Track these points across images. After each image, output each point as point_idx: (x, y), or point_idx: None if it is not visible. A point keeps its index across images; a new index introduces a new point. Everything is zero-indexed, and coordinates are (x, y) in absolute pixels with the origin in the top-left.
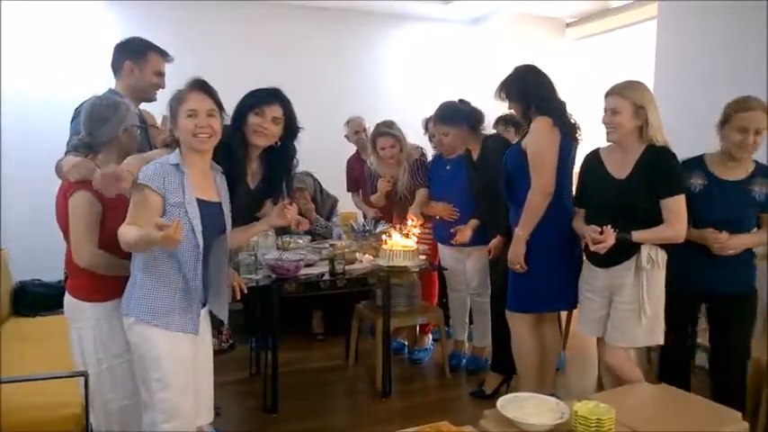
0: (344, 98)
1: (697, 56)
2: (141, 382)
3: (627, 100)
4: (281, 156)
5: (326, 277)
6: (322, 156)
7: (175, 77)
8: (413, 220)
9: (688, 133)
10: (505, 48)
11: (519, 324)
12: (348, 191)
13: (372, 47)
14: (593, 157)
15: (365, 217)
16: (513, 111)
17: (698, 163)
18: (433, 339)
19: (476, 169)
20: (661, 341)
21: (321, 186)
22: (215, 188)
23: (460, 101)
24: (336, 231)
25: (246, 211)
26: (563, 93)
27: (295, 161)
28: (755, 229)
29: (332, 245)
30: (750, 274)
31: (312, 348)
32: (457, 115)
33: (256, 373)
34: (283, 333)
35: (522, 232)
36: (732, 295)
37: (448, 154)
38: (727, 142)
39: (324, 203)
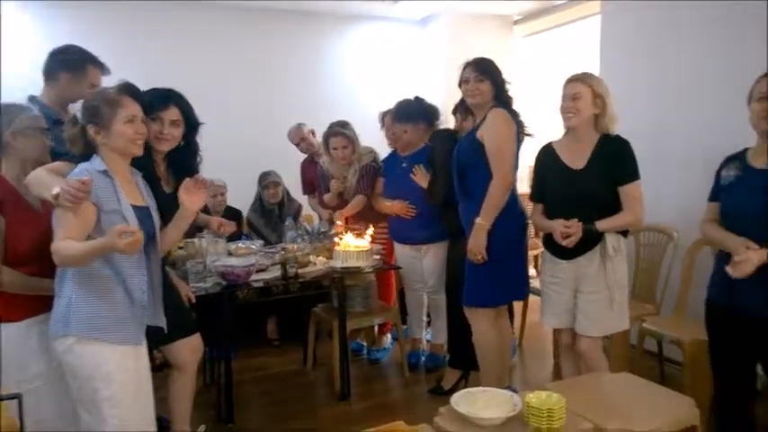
0: (297, 100)
1: (639, 51)
2: (87, 404)
3: (588, 87)
4: (184, 155)
5: (279, 282)
6: (278, 160)
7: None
8: (339, 223)
9: (630, 126)
10: (455, 46)
11: (481, 319)
12: (304, 194)
13: (324, 47)
14: (548, 151)
15: (320, 218)
16: (474, 94)
17: (738, 155)
18: (392, 339)
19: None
20: (627, 327)
21: (287, 190)
22: (140, 192)
23: (416, 98)
24: (290, 235)
25: (170, 217)
26: (513, 89)
27: (199, 157)
28: None
29: (283, 248)
30: None
31: (269, 355)
32: (415, 112)
33: (211, 383)
34: (238, 340)
35: (484, 222)
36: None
37: (403, 150)
38: (752, 120)
39: (290, 207)
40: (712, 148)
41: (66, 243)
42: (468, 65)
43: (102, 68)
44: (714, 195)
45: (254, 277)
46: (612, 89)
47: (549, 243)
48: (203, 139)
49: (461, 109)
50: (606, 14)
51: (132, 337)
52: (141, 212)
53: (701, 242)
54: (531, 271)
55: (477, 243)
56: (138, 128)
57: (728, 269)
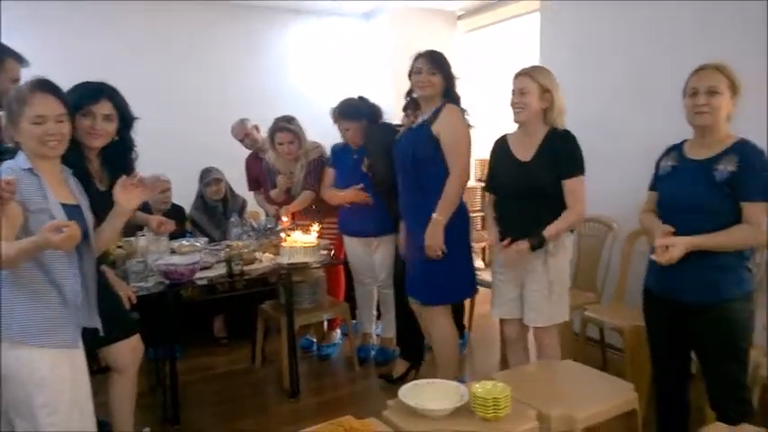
0: (241, 95)
1: (577, 46)
2: (22, 411)
3: (535, 81)
4: (119, 150)
5: (224, 279)
6: (224, 155)
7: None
8: (285, 218)
9: (570, 119)
10: (399, 41)
11: (442, 315)
12: (249, 190)
13: (267, 42)
14: (501, 143)
15: (267, 214)
16: (425, 86)
17: (677, 146)
18: (342, 334)
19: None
20: (567, 318)
21: (230, 186)
22: (70, 190)
23: (360, 97)
24: (235, 232)
25: (104, 216)
26: (458, 84)
27: (134, 153)
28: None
29: (228, 245)
30: (723, 280)
31: (217, 354)
32: (356, 111)
33: (157, 385)
34: (185, 340)
35: (441, 218)
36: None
37: (354, 145)
38: (686, 114)
39: (234, 204)
40: (651, 141)
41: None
42: (420, 56)
43: (22, 61)
44: (653, 185)
45: (198, 275)
46: (555, 74)
47: (501, 235)
48: (143, 135)
49: (412, 105)
50: (545, 11)
51: (67, 341)
52: (72, 211)
53: (638, 232)
54: (480, 263)
55: (435, 238)
56: (49, 128)
57: (653, 257)
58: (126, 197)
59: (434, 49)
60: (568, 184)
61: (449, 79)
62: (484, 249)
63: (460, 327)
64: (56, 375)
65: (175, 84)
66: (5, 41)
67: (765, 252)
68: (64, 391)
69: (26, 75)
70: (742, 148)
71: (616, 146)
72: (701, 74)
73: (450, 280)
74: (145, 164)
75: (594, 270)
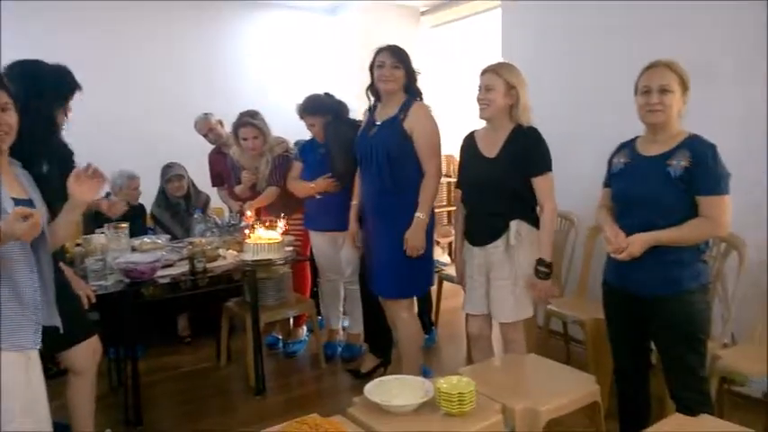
0: (204, 90)
1: (539, 43)
2: None
3: (501, 78)
4: (24, 146)
5: (187, 277)
6: (187, 151)
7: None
8: (249, 214)
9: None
10: (363, 36)
11: (407, 310)
12: (213, 186)
13: (230, 35)
14: (469, 138)
15: (231, 211)
16: (388, 80)
17: (629, 143)
18: (308, 330)
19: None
20: (530, 314)
21: (193, 182)
22: (21, 184)
23: (326, 93)
24: (199, 228)
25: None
26: (421, 79)
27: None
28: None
29: (190, 243)
30: (680, 274)
31: (181, 352)
32: (321, 106)
33: (119, 386)
34: (148, 339)
35: (423, 216)
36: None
37: (320, 140)
38: (638, 111)
39: (197, 200)
40: (612, 136)
41: None
42: (383, 50)
43: None
44: (607, 181)
45: (160, 273)
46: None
47: (467, 230)
48: (104, 131)
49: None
50: (506, 8)
51: (24, 343)
52: (24, 205)
53: (599, 227)
54: (446, 258)
55: (419, 238)
56: None
57: (612, 254)
58: (80, 189)
59: (397, 44)
60: (537, 183)
61: (410, 74)
62: (450, 245)
63: (429, 322)
64: (9, 381)
65: (136, 78)
66: None
67: (722, 245)
68: (17, 398)
69: None
70: (693, 144)
71: (577, 141)
72: (653, 71)
73: (412, 275)
74: (106, 160)
75: (557, 264)
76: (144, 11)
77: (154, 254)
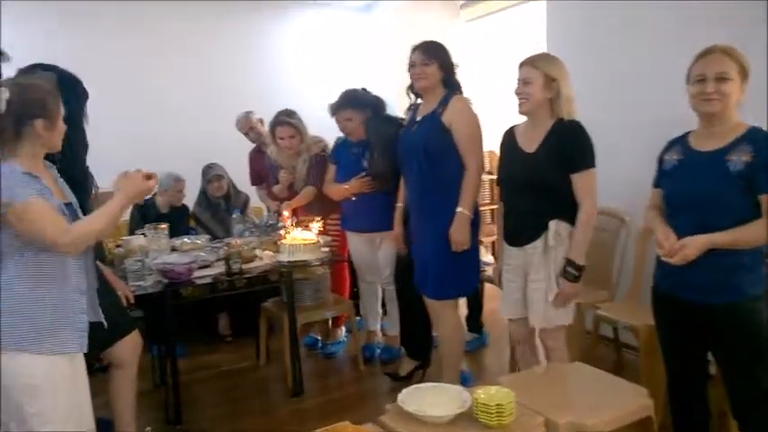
0: (243, 89)
1: (587, 33)
2: (13, 417)
3: (539, 71)
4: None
5: (223, 278)
6: (224, 151)
7: None
8: (286, 214)
9: (580, 109)
10: (400, 32)
11: (450, 311)
12: (252, 185)
13: (268, 36)
14: (509, 134)
15: (269, 210)
16: (419, 78)
17: (680, 139)
18: (347, 331)
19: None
20: (570, 321)
21: (233, 182)
22: (60, 188)
23: (363, 89)
24: (238, 228)
25: None
26: (462, 73)
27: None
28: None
29: (227, 244)
30: (740, 280)
31: (221, 351)
32: (359, 100)
33: (160, 384)
34: (190, 337)
35: (467, 211)
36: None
37: (353, 138)
38: (690, 101)
39: (237, 200)
40: (665, 130)
41: (79, 225)
42: (414, 49)
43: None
44: (657, 181)
45: (197, 274)
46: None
47: (504, 229)
48: (145, 134)
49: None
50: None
51: (70, 346)
52: (68, 209)
53: (648, 229)
54: (490, 258)
55: (463, 233)
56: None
57: (663, 258)
58: (130, 182)
59: (434, 39)
60: (576, 180)
61: (446, 68)
62: (494, 244)
63: (478, 325)
64: (50, 383)
65: (177, 81)
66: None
67: None
68: (59, 399)
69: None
70: (755, 136)
71: (630, 135)
72: (709, 58)
73: (457, 274)
74: (147, 163)
75: (607, 266)
76: (180, 12)
77: (190, 255)
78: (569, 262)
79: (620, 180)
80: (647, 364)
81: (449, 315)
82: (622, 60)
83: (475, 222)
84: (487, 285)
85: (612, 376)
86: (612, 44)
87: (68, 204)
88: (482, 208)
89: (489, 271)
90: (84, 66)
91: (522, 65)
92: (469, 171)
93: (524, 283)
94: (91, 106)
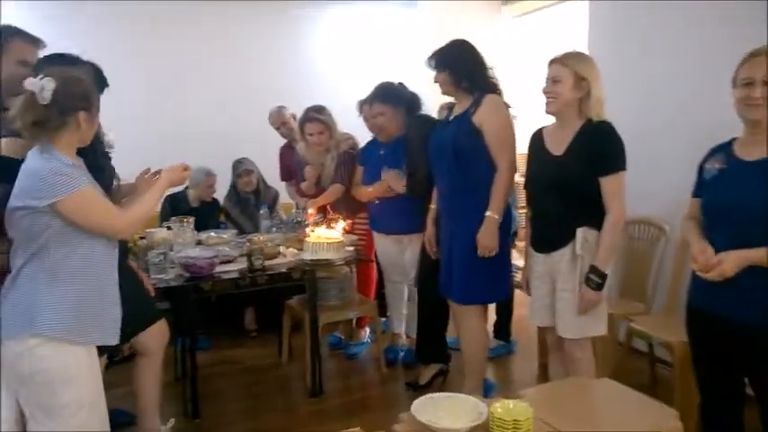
0: (276, 84)
1: (629, 31)
2: (40, 411)
3: (569, 69)
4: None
5: (245, 275)
6: (256, 145)
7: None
8: (311, 211)
9: (620, 111)
10: (440, 28)
11: (475, 317)
12: (282, 180)
13: (303, 29)
14: (537, 135)
15: (297, 207)
16: (440, 87)
17: (724, 146)
18: (371, 332)
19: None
20: (603, 332)
21: (262, 177)
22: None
23: (399, 83)
24: (265, 224)
25: None
26: (503, 71)
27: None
28: None
29: (249, 240)
30: None
31: (246, 346)
32: (394, 95)
33: (182, 377)
34: (215, 331)
35: (496, 215)
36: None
37: (382, 137)
38: (735, 106)
39: (266, 194)
40: (710, 136)
41: (133, 209)
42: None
43: (35, 42)
44: (696, 190)
45: (220, 269)
46: (602, 67)
47: (531, 234)
48: (179, 128)
49: (447, 108)
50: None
51: (109, 336)
52: None
53: (685, 240)
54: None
55: (491, 238)
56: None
57: (699, 273)
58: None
59: (474, 37)
60: (604, 183)
61: (458, 73)
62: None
63: (507, 331)
64: (84, 373)
65: (211, 74)
66: None
67: None
68: (91, 388)
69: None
70: None
71: (672, 141)
72: (758, 61)
73: (486, 280)
74: (181, 157)
75: (644, 277)
76: (218, 6)
77: (213, 249)
78: (593, 269)
79: (660, 187)
80: (682, 382)
81: (473, 321)
82: (665, 63)
83: (506, 226)
84: (517, 291)
85: (641, 395)
86: (655, 46)
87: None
88: (520, 211)
89: (518, 276)
90: (120, 62)
91: (551, 62)
92: (500, 173)
93: (552, 290)
94: (124, 102)
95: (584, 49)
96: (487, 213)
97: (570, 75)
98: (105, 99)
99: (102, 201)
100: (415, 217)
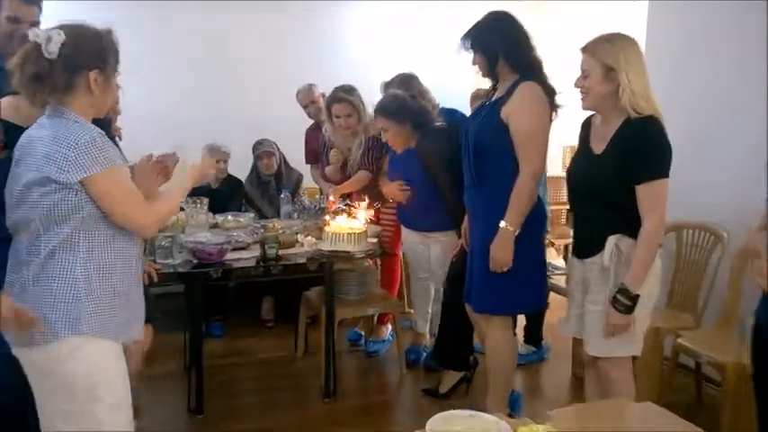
0: (303, 63)
1: (693, 24)
2: (83, 413)
3: (596, 60)
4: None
5: (257, 264)
6: (282, 127)
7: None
8: (332, 199)
9: (679, 107)
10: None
11: (500, 327)
12: (307, 163)
13: (331, 8)
14: (585, 127)
15: (321, 192)
16: (478, 67)
17: None
18: (393, 330)
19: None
20: (637, 352)
21: (285, 159)
22: None
23: (412, 96)
24: (285, 210)
25: None
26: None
27: None
28: None
29: (264, 226)
30: None
31: (261, 336)
32: (400, 111)
33: (191, 367)
34: (231, 319)
35: (512, 227)
36: None
37: (395, 150)
38: None
39: (288, 178)
40: None
41: (159, 205)
42: None
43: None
44: None
45: (232, 256)
46: (661, 65)
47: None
48: (204, 106)
49: (477, 98)
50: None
51: (134, 333)
52: None
53: (751, 251)
54: (561, 262)
55: (504, 252)
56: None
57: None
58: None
59: (496, 11)
60: (640, 191)
61: (489, 53)
62: (567, 248)
63: (537, 336)
64: (120, 370)
65: (236, 54)
66: None
67: None
68: (126, 385)
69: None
70: None
71: (735, 142)
72: None
73: (513, 289)
74: (205, 135)
75: (695, 287)
76: None
77: (225, 234)
78: (621, 289)
79: (719, 190)
80: (732, 408)
81: (497, 332)
82: (730, 58)
83: (537, 227)
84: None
85: (687, 423)
86: (721, 40)
87: None
88: (555, 207)
89: (554, 278)
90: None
91: (581, 51)
92: (521, 179)
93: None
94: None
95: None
96: (502, 224)
97: (597, 66)
98: (129, 82)
99: (133, 188)
100: (440, 214)
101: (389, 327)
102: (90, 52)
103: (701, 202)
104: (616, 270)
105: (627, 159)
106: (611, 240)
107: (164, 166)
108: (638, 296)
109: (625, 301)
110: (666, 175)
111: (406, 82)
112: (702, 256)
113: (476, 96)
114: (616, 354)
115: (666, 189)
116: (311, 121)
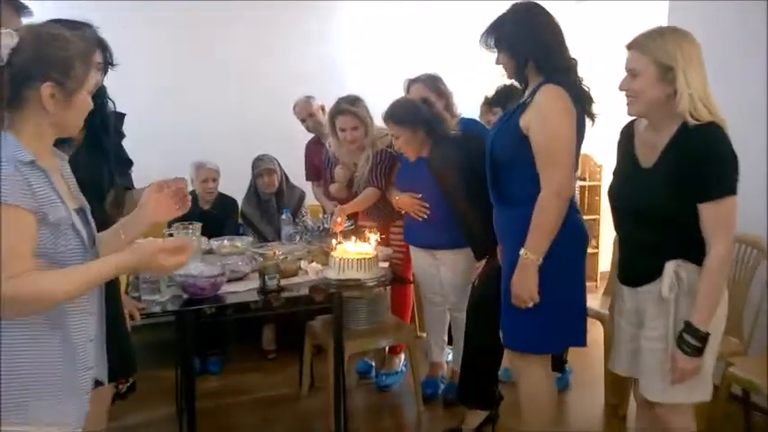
0: (303, 72)
1: (720, 17)
2: None
3: (648, 57)
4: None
5: (256, 298)
6: (281, 142)
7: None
8: (339, 220)
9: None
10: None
11: (536, 367)
12: (307, 180)
13: (332, 12)
14: (627, 132)
15: (324, 212)
16: (504, 67)
17: None
18: (406, 361)
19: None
20: (705, 398)
21: (286, 176)
22: (68, 185)
23: (424, 101)
24: (286, 231)
25: None
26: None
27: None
28: None
29: (262, 254)
30: None
31: (262, 370)
32: (411, 117)
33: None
34: (229, 350)
35: (534, 255)
36: None
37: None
38: None
39: (290, 196)
40: None
41: (37, 279)
42: None
43: (18, 7)
44: None
45: (227, 288)
46: None
47: (618, 261)
48: (194, 114)
49: (487, 103)
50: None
51: (69, 418)
52: (80, 216)
53: None
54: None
55: (525, 285)
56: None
57: None
58: (156, 206)
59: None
60: (704, 210)
61: (516, 52)
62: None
63: (561, 360)
64: None
65: (233, 58)
66: None
67: None
68: None
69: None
70: None
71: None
72: None
73: (542, 326)
74: (194, 151)
75: (740, 308)
76: None
77: (218, 266)
78: (688, 327)
79: (759, 201)
80: None
81: (533, 370)
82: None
83: (572, 256)
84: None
85: None
86: (749, 40)
87: (80, 210)
88: (588, 217)
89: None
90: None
91: (628, 48)
92: (542, 197)
93: (637, 334)
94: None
95: None
96: (522, 252)
97: (651, 64)
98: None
99: (22, 239)
100: (450, 230)
101: (402, 356)
102: (47, 61)
103: (743, 213)
104: (677, 301)
105: (687, 174)
106: (670, 267)
107: (184, 195)
108: (708, 335)
109: (693, 342)
110: (734, 192)
111: (432, 81)
112: (746, 273)
113: (486, 104)
114: (680, 400)
115: (735, 207)
116: (311, 134)
